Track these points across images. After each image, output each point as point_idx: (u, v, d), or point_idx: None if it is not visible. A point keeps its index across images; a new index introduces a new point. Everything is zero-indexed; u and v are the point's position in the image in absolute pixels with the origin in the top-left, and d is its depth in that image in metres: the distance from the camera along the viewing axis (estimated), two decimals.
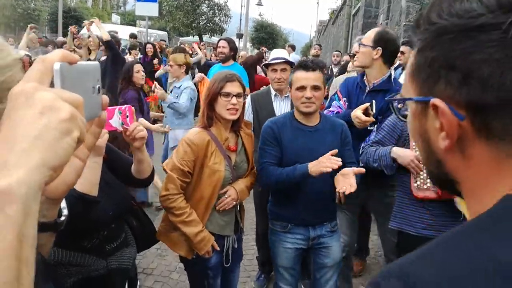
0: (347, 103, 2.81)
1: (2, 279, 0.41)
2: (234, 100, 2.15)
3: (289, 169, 2.20)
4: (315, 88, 2.24)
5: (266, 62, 3.27)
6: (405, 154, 2.27)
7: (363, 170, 2.14)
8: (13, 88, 0.48)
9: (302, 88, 2.23)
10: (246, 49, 19.35)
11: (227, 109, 2.16)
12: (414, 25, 0.58)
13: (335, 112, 2.80)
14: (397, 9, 7.56)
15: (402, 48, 4.63)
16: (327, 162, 2.06)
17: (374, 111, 2.56)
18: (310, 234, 2.37)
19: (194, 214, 2.16)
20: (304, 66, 2.27)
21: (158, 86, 4.19)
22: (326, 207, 2.38)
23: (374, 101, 2.60)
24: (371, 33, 2.75)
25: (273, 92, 3.16)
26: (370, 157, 2.41)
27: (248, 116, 3.09)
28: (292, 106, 2.77)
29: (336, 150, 2.12)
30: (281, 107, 3.11)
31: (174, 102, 4.21)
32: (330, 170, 2.04)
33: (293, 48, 10.44)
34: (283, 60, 3.08)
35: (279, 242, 2.40)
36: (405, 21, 6.93)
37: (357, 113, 2.54)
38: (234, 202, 2.25)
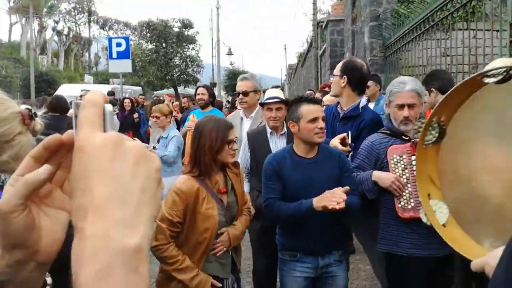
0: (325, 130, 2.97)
1: None
2: (235, 145, 2.29)
3: (295, 204, 2.29)
4: (323, 119, 2.40)
5: (262, 101, 3.43)
6: (386, 177, 2.38)
7: (347, 188, 2.23)
8: (90, 137, 0.43)
9: (315, 120, 2.36)
10: (220, 97, 19.75)
11: (230, 154, 2.27)
12: None
13: None
14: (361, 45, 7.99)
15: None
16: (331, 197, 2.16)
17: (350, 141, 2.70)
18: (319, 263, 2.42)
19: (187, 261, 2.18)
20: (311, 100, 2.46)
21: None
22: (334, 235, 2.43)
23: (350, 132, 2.75)
24: (339, 64, 3.00)
25: (268, 130, 3.25)
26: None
27: (245, 155, 3.19)
28: (288, 143, 2.87)
29: (347, 188, 2.21)
30: (277, 144, 3.21)
31: (162, 156, 4.31)
32: (335, 207, 2.10)
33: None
34: (279, 100, 3.21)
35: (288, 271, 2.45)
36: (369, 56, 7.31)
37: (335, 142, 2.69)
38: (225, 248, 2.28)
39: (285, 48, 48.99)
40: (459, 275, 3.09)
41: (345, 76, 2.91)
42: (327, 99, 4.84)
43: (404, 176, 2.37)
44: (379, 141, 2.52)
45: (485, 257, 0.92)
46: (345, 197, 2.14)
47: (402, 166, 2.39)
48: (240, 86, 3.73)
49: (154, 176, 0.45)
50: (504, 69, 0.97)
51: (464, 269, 3.12)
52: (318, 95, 6.39)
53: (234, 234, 2.30)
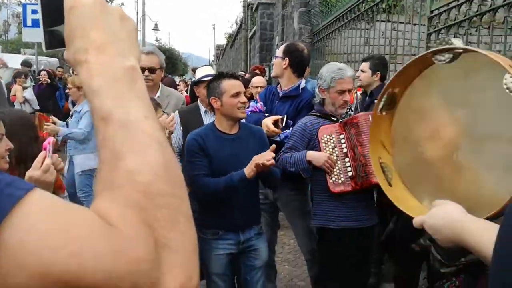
0: (264, 107, 3.05)
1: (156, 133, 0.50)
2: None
3: (225, 178, 2.33)
4: (245, 94, 2.45)
5: (196, 79, 3.38)
6: (319, 156, 2.54)
7: (274, 146, 2.36)
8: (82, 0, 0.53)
9: (237, 94, 2.40)
10: None
11: None
12: None
13: (249, 112, 3.03)
14: (291, 31, 8.19)
15: None
16: (260, 158, 2.27)
17: (283, 125, 2.82)
18: (240, 238, 2.49)
19: None
20: (232, 75, 2.49)
21: (53, 120, 4.11)
22: (254, 208, 2.54)
23: (286, 116, 2.87)
24: (282, 46, 3.12)
25: (202, 108, 3.24)
26: (286, 163, 2.63)
27: (177, 134, 3.16)
28: None
29: (273, 146, 2.35)
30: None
31: (69, 134, 4.08)
32: (266, 163, 2.24)
33: (194, 71, 10.60)
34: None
35: (211, 250, 2.47)
36: (298, 41, 7.52)
37: (267, 122, 2.80)
38: None
39: (214, 28, 48.36)
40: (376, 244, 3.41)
41: (286, 58, 3.03)
42: (257, 80, 4.94)
43: (334, 154, 2.56)
44: (311, 122, 2.67)
45: (424, 216, 1.04)
46: (273, 154, 2.29)
47: (332, 144, 2.57)
48: (146, 61, 3.00)
49: (133, 30, 0.58)
50: (455, 50, 1.07)
51: (378, 238, 3.45)
52: (247, 76, 6.47)
53: None
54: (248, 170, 2.29)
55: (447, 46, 1.08)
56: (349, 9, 5.77)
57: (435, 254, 0.99)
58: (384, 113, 1.26)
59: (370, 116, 2.48)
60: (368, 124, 2.46)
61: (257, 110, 3.03)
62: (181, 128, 3.21)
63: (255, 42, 12.77)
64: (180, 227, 0.45)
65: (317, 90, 2.73)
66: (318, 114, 2.71)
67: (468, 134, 1.08)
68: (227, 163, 2.37)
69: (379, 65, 3.65)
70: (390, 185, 1.26)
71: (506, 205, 0.90)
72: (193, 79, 4.75)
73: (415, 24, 4.41)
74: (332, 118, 2.67)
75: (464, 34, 3.34)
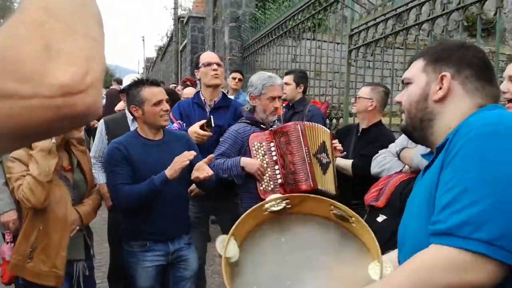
0: (184, 124, 2.99)
1: None
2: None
3: (146, 182, 2.25)
4: (167, 101, 2.40)
5: (124, 87, 3.27)
6: (252, 162, 2.57)
7: (212, 156, 2.36)
8: None
9: (159, 102, 2.34)
10: None
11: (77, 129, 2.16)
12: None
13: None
14: (221, 44, 8.28)
15: (234, 75, 5.24)
16: (180, 160, 2.23)
17: (213, 125, 2.82)
18: (169, 249, 2.42)
19: None
20: (153, 83, 2.40)
21: None
22: (183, 217, 2.49)
23: (212, 117, 2.87)
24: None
25: (129, 116, 3.14)
26: (219, 169, 2.61)
27: (102, 143, 3.03)
28: None
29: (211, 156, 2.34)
30: None
31: None
32: (187, 162, 2.21)
33: (118, 82, 10.26)
34: None
35: (138, 263, 2.37)
36: (229, 55, 7.64)
37: (194, 129, 2.78)
38: (77, 227, 2.19)
39: (143, 40, 47.37)
40: None
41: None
42: (188, 91, 4.92)
43: (264, 162, 2.61)
44: (243, 129, 2.70)
45: None
46: (193, 153, 2.27)
47: (262, 152, 2.63)
48: None
49: None
50: (282, 200, 1.13)
51: None
52: (179, 87, 6.41)
53: (85, 210, 2.22)
54: (170, 172, 2.24)
55: (275, 197, 1.15)
56: (276, 25, 5.99)
57: None
58: (230, 260, 1.09)
59: (299, 125, 2.59)
60: (297, 133, 2.56)
61: (179, 128, 2.94)
62: (107, 137, 3.11)
63: (186, 55, 12.71)
64: (76, 37, 0.47)
65: (247, 98, 2.78)
66: (248, 121, 2.76)
67: None
68: (153, 169, 2.29)
69: (302, 78, 3.83)
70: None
71: None
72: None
73: (337, 43, 4.70)
74: (262, 126, 2.74)
75: (381, 52, 3.62)
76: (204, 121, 2.81)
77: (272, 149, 2.62)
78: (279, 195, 1.18)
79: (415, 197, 1.10)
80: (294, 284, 1.06)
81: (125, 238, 2.44)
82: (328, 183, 2.59)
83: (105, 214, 3.25)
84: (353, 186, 2.69)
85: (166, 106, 2.35)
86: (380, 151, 2.47)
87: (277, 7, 6.37)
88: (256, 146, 2.63)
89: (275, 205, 1.15)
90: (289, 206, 1.15)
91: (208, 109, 3.03)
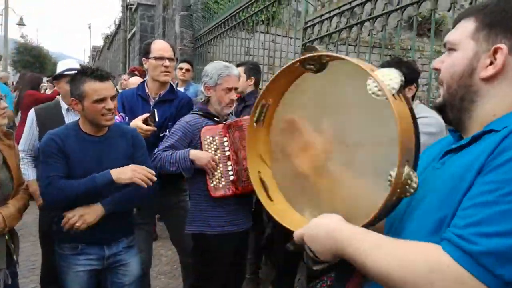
0: (126, 117, 2.77)
1: None
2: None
3: (87, 180, 2.02)
4: (114, 98, 2.14)
5: (58, 73, 2.97)
6: (203, 155, 2.42)
7: (153, 174, 2.14)
8: None
9: (102, 100, 2.07)
10: (7, 72, 16.88)
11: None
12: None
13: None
14: (172, 34, 7.98)
15: (181, 65, 5.03)
16: (141, 172, 2.05)
17: (156, 119, 2.63)
18: (105, 253, 2.21)
19: None
20: (99, 76, 2.08)
21: None
22: (124, 219, 2.28)
23: (155, 110, 2.68)
24: None
25: (64, 106, 2.89)
26: (166, 161, 2.44)
27: (32, 136, 2.74)
28: None
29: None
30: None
31: None
32: (141, 182, 2.03)
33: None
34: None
35: (69, 267, 2.15)
36: (180, 45, 7.37)
37: (138, 123, 2.58)
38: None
39: (89, 28, 45.30)
40: (252, 249, 3.42)
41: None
42: (134, 81, 4.69)
43: (216, 157, 2.46)
44: (194, 121, 2.53)
45: (303, 228, 0.98)
46: (153, 178, 2.08)
47: (215, 147, 2.47)
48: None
49: None
50: (321, 58, 1.04)
51: (256, 243, 3.46)
52: (125, 77, 6.12)
53: (9, 213, 1.95)
54: (119, 175, 2.02)
55: (313, 53, 1.04)
56: (229, 16, 5.83)
57: (308, 252, 0.96)
58: (260, 126, 1.19)
59: None
60: None
61: (121, 121, 2.71)
62: (37, 128, 2.82)
63: (134, 44, 12.22)
64: None
65: (202, 88, 2.60)
66: (201, 113, 2.59)
67: (338, 143, 1.05)
68: (90, 167, 2.07)
69: (253, 70, 3.69)
70: (271, 199, 1.20)
71: (381, 210, 0.88)
72: None
73: (291, 38, 4.62)
74: (215, 118, 2.58)
75: (334, 46, 3.56)
76: (147, 114, 2.61)
77: (225, 144, 2.48)
78: (315, 50, 1.07)
79: (428, 185, 0.91)
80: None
81: (57, 239, 2.21)
82: None
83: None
84: None
85: (110, 104, 2.08)
86: None
87: None
88: (208, 140, 2.47)
89: (312, 65, 1.07)
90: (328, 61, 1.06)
91: (152, 103, 2.83)
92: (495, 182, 0.73)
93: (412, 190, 0.86)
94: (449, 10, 2.40)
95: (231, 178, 2.45)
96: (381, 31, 3.06)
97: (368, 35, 3.19)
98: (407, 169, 0.84)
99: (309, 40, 3.93)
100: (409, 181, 0.85)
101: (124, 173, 2.03)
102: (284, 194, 1.19)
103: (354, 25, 3.26)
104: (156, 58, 2.77)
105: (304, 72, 1.10)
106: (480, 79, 0.88)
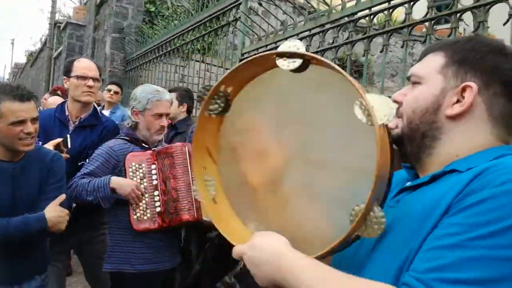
0: (40, 142, 2.50)
1: None
2: None
3: (18, 221, 1.82)
4: (35, 120, 1.90)
5: None
6: (126, 183, 2.21)
7: (63, 196, 1.95)
8: None
9: (21, 122, 1.83)
10: None
11: None
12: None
13: None
14: (101, 55, 7.65)
15: (110, 87, 4.81)
16: (60, 214, 1.92)
17: (69, 145, 2.40)
18: None
19: None
20: (19, 96, 1.83)
21: None
22: (39, 253, 2.02)
23: (68, 136, 2.45)
24: None
25: None
26: (83, 190, 2.20)
27: None
28: None
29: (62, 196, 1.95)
30: None
31: None
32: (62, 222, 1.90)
33: None
34: None
35: None
36: (110, 67, 7.07)
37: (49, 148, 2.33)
38: None
39: (12, 44, 42.55)
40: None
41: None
42: (52, 101, 4.36)
43: (142, 186, 2.26)
44: (120, 146, 2.33)
45: (244, 246, 0.85)
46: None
47: (141, 174, 2.28)
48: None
49: None
50: (304, 57, 0.88)
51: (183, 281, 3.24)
52: (46, 95, 5.72)
53: None
54: (55, 219, 1.89)
55: (296, 51, 0.87)
56: (164, 42, 5.72)
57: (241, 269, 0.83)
58: (213, 115, 0.99)
59: (187, 147, 2.32)
60: (184, 155, 2.29)
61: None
62: None
63: (60, 63, 11.58)
64: None
65: (129, 112, 2.42)
66: (127, 138, 2.39)
67: (299, 158, 0.91)
68: (2, 202, 1.83)
69: (186, 96, 3.58)
70: (214, 202, 1.02)
71: (337, 246, 0.79)
72: None
73: (227, 69, 4.61)
74: (144, 144, 2.39)
75: None
76: (60, 140, 2.37)
77: (153, 172, 2.30)
78: (297, 42, 0.87)
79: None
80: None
81: None
82: None
83: None
84: None
85: (29, 127, 1.85)
86: None
87: (166, 24, 6.11)
88: (133, 167, 2.28)
89: (288, 63, 0.87)
90: (308, 61, 0.87)
91: (71, 127, 2.58)
92: (462, 224, 0.67)
93: (377, 233, 0.77)
94: (381, 51, 2.50)
95: (158, 209, 2.27)
96: None
97: None
98: (376, 209, 0.76)
99: None
100: (375, 222, 0.76)
101: (56, 217, 1.91)
102: (228, 198, 1.02)
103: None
104: (78, 77, 2.55)
105: (276, 66, 0.92)
106: (445, 116, 0.84)
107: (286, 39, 3.33)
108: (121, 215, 2.28)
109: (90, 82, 2.56)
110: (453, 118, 0.83)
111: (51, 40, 13.79)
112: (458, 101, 0.83)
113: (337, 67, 0.82)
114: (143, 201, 2.26)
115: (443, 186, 0.77)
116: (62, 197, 1.98)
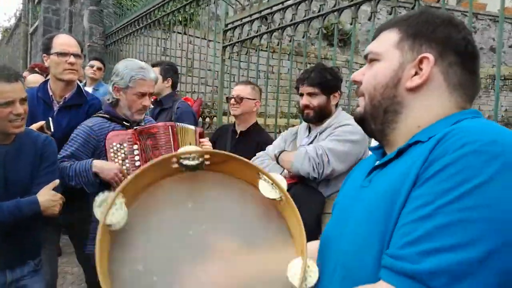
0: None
1: None
2: None
3: (11, 205, 1.78)
4: (23, 101, 1.80)
5: None
6: (109, 167, 2.13)
7: (57, 181, 1.90)
8: None
9: (9, 103, 1.74)
10: None
11: None
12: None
13: None
14: (80, 29, 7.39)
15: (92, 62, 4.67)
16: (52, 198, 1.87)
17: (52, 129, 2.30)
18: (6, 278, 1.89)
19: None
20: (5, 76, 1.74)
21: None
22: (32, 239, 1.97)
23: (50, 119, 2.35)
24: None
25: None
26: (64, 174, 2.12)
27: None
28: None
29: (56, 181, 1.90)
30: None
31: None
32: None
33: None
34: None
35: None
36: (88, 41, 6.84)
37: None
38: None
39: None
40: None
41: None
42: (32, 79, 4.20)
43: (124, 167, 2.18)
44: (99, 125, 2.23)
45: None
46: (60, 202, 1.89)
47: (122, 155, 2.20)
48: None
49: None
50: (199, 155, 0.85)
51: None
52: (25, 73, 5.53)
53: None
54: (46, 202, 1.85)
55: (193, 149, 0.85)
56: (144, 14, 5.53)
57: None
58: (110, 227, 0.80)
59: (170, 127, 2.24)
60: (167, 136, 2.21)
61: None
62: None
63: (37, 39, 11.18)
64: None
65: (110, 88, 2.30)
66: (107, 116, 2.29)
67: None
68: None
69: (170, 71, 3.40)
70: None
71: None
72: None
73: (210, 40, 4.49)
74: (125, 123, 2.30)
75: (256, 50, 3.50)
76: (42, 123, 2.26)
77: (136, 152, 2.21)
78: (195, 147, 0.86)
79: (357, 206, 0.85)
80: (189, 268, 0.80)
81: None
82: None
83: None
84: None
85: (18, 108, 1.76)
86: (257, 154, 2.30)
87: None
88: (115, 148, 2.19)
89: (191, 159, 0.85)
90: (207, 162, 0.86)
91: (56, 108, 2.47)
92: (429, 194, 0.68)
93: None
94: (369, 19, 2.44)
95: None
96: (303, 37, 3.05)
97: (290, 42, 3.16)
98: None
99: (230, 43, 3.83)
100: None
101: (48, 201, 1.87)
102: None
103: (276, 30, 3.21)
104: (58, 54, 2.43)
105: (174, 170, 0.86)
106: (405, 89, 0.85)
107: (271, 7, 3.23)
108: None
109: (72, 59, 2.43)
110: (413, 90, 0.85)
111: (26, 15, 13.27)
112: (416, 73, 0.85)
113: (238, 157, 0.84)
114: None
115: (408, 159, 0.77)
116: (56, 182, 1.91)
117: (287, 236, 0.83)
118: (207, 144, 2.44)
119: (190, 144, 2.31)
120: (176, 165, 0.85)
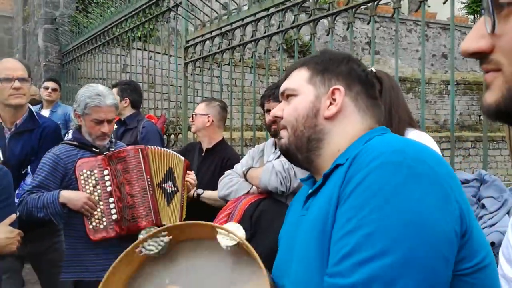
0: None
1: None
2: None
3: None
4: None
5: None
6: (77, 197, 2.08)
7: (13, 216, 1.82)
8: None
9: None
10: None
11: None
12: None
13: None
14: (35, 48, 7.16)
15: (46, 84, 4.53)
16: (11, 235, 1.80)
17: (1, 158, 2.23)
18: None
19: None
20: None
21: None
22: None
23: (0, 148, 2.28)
24: None
25: None
26: (33, 206, 2.06)
27: None
28: None
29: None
30: None
31: None
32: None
33: None
34: None
35: None
36: (44, 61, 6.64)
37: None
38: None
39: None
40: None
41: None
42: None
43: (96, 194, 2.14)
44: (67, 153, 2.18)
45: None
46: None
47: (94, 182, 2.15)
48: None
49: None
50: (158, 236, 0.90)
51: None
52: None
53: None
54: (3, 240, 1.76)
55: (151, 231, 0.91)
56: (101, 31, 5.43)
57: None
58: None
59: (140, 150, 2.21)
60: (138, 159, 2.19)
61: None
62: None
63: None
64: None
65: (72, 115, 2.28)
66: (75, 143, 2.25)
67: None
68: None
69: (127, 90, 3.34)
70: None
71: None
72: None
73: (171, 56, 4.46)
74: (94, 149, 2.26)
75: (218, 67, 3.51)
76: None
77: (106, 178, 2.17)
78: (151, 229, 0.92)
79: (298, 235, 0.89)
80: None
81: None
82: (173, 216, 2.29)
83: None
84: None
85: None
86: (226, 172, 2.31)
87: (102, 11, 5.79)
88: (85, 175, 2.14)
89: (153, 246, 0.88)
90: (170, 237, 0.90)
91: (7, 135, 2.38)
92: (351, 209, 0.74)
93: None
94: (310, 39, 2.51)
95: (114, 217, 2.15)
96: (264, 53, 3.10)
97: (252, 56, 3.20)
98: None
99: (192, 59, 3.83)
100: None
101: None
102: None
103: (237, 46, 3.25)
104: (2, 80, 2.34)
105: (141, 258, 0.92)
106: (324, 118, 0.95)
107: (231, 24, 3.26)
108: (77, 224, 2.16)
109: (17, 84, 2.35)
110: (331, 118, 0.95)
111: None
112: (331, 103, 0.95)
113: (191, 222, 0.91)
114: (98, 209, 2.14)
115: (331, 183, 0.84)
116: (13, 217, 1.82)
117: (258, 267, 0.86)
118: (193, 177, 2.45)
119: (176, 173, 2.33)
120: (142, 254, 0.90)
